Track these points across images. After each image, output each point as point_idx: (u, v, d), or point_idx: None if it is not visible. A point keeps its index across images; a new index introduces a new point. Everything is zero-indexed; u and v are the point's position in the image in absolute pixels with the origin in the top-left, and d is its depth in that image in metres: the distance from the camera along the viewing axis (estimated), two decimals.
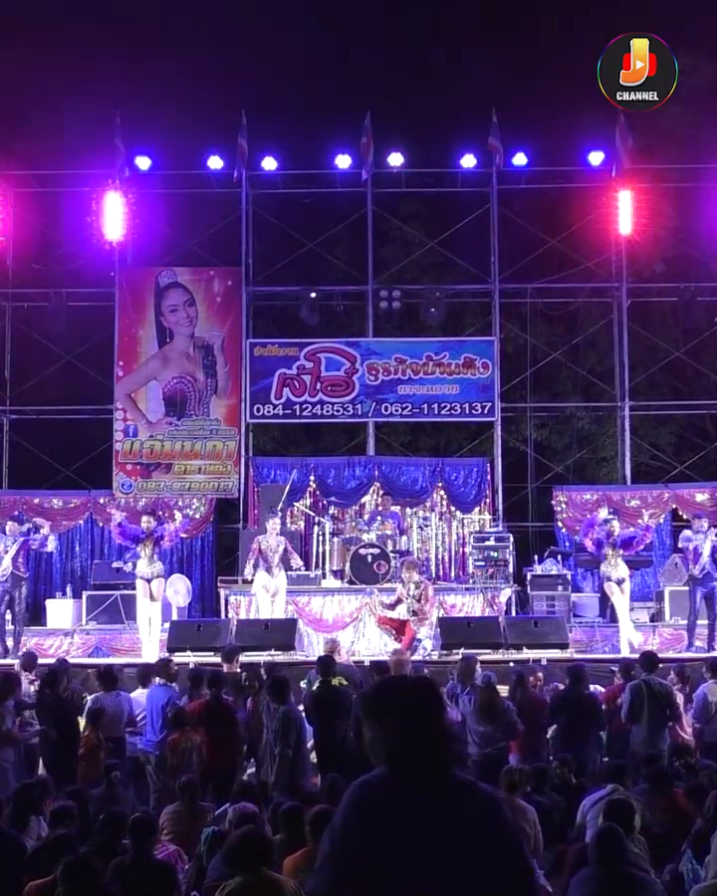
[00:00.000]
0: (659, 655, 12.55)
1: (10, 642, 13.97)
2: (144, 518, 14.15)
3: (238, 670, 10.91)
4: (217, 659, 12.19)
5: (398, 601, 13.41)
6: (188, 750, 9.03)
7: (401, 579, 13.47)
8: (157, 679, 10.45)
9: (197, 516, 17.65)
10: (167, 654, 12.53)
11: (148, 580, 13.86)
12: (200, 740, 9.13)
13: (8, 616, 13.96)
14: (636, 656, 11.21)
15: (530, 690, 10.50)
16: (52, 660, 12.07)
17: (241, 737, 9.54)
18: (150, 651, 13.57)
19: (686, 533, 13.96)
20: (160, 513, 15.53)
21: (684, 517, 16.95)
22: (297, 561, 14.61)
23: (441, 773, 2.96)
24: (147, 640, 13.80)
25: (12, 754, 9.37)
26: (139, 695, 10.52)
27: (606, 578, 13.81)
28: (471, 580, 15.66)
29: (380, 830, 2.84)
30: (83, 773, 9.05)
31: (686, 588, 14.20)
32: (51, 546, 14.57)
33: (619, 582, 13.73)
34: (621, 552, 13.72)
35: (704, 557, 13.55)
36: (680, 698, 10.31)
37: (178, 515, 15.30)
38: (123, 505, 17.07)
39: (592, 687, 10.73)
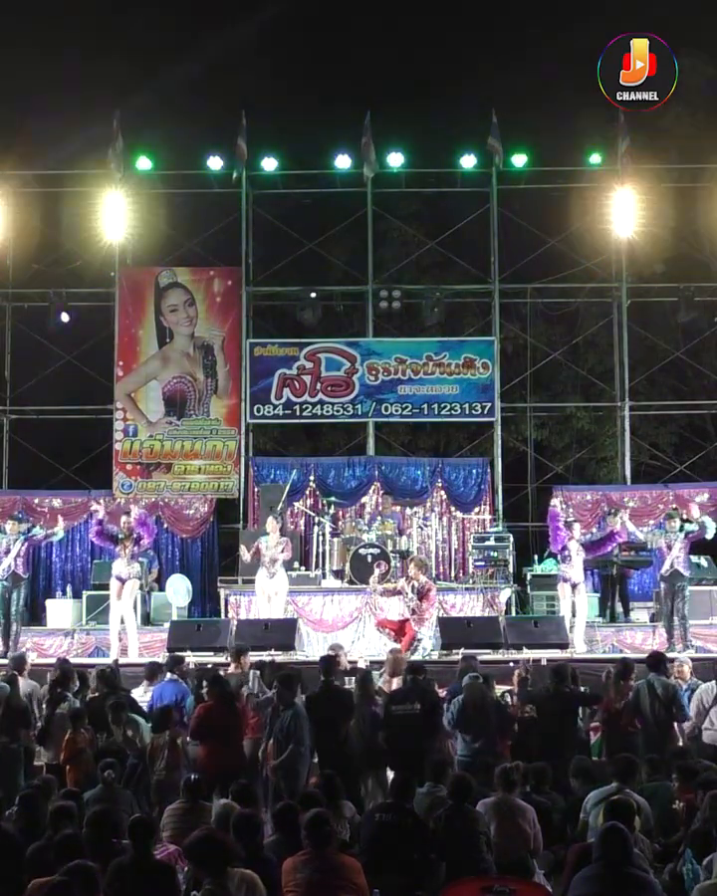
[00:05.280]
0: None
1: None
2: (123, 517, 14.09)
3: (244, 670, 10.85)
4: (217, 659, 12.21)
5: (396, 593, 13.35)
6: (160, 747, 8.93)
7: (407, 575, 13.37)
8: (168, 675, 10.42)
9: (197, 516, 17.67)
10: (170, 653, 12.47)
11: (123, 581, 13.75)
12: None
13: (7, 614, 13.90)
14: (632, 657, 11.26)
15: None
16: (50, 660, 12.05)
17: (241, 738, 9.49)
18: (133, 648, 13.65)
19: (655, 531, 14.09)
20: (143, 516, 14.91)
21: (684, 517, 16.94)
22: (286, 555, 14.21)
23: None
24: (116, 641, 13.76)
25: None
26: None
27: (563, 579, 13.76)
28: (471, 580, 15.66)
29: None
30: (72, 780, 8.70)
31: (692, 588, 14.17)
32: (60, 534, 14.37)
33: (575, 585, 13.71)
34: (584, 554, 13.78)
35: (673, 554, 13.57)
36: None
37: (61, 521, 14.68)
38: (121, 506, 17.06)
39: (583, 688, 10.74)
